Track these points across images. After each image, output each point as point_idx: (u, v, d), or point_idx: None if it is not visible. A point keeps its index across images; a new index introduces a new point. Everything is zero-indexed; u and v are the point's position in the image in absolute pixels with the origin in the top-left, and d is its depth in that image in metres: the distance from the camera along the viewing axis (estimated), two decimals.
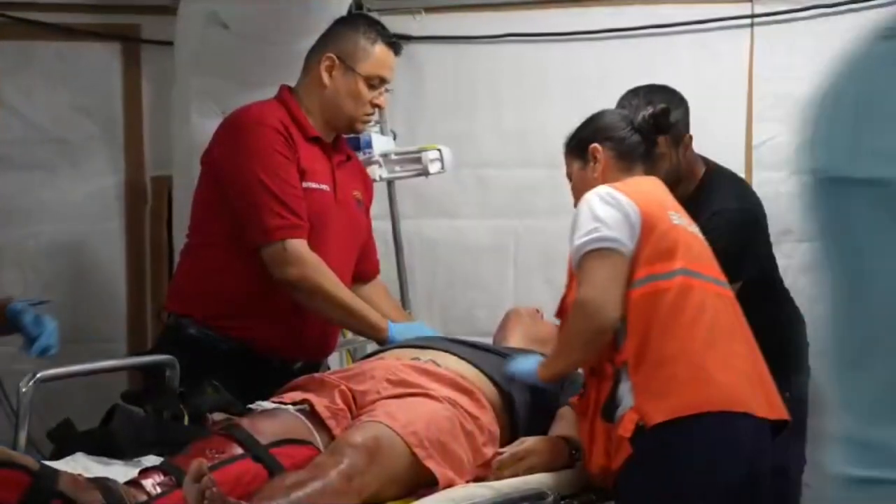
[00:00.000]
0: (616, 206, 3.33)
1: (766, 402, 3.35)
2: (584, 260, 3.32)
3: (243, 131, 3.94)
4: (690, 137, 4.28)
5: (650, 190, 3.52)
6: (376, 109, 4.20)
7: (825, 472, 4.36)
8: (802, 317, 4.67)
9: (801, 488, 4.65)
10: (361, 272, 4.30)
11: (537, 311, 4.37)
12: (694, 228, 3.52)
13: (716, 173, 4.39)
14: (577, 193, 3.64)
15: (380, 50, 4.05)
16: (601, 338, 3.30)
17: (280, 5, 4.61)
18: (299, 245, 3.85)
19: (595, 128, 3.69)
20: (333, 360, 4.69)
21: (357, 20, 4.26)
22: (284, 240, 3.83)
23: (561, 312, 3.60)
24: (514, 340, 4.08)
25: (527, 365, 3.63)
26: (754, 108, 5.05)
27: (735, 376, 3.29)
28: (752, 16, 5.06)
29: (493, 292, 5.43)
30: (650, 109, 3.69)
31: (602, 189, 3.41)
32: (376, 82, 4.05)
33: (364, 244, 4.30)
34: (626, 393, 3.24)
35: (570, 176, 3.78)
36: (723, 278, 3.50)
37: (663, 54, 5.15)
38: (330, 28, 4.16)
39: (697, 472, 3.22)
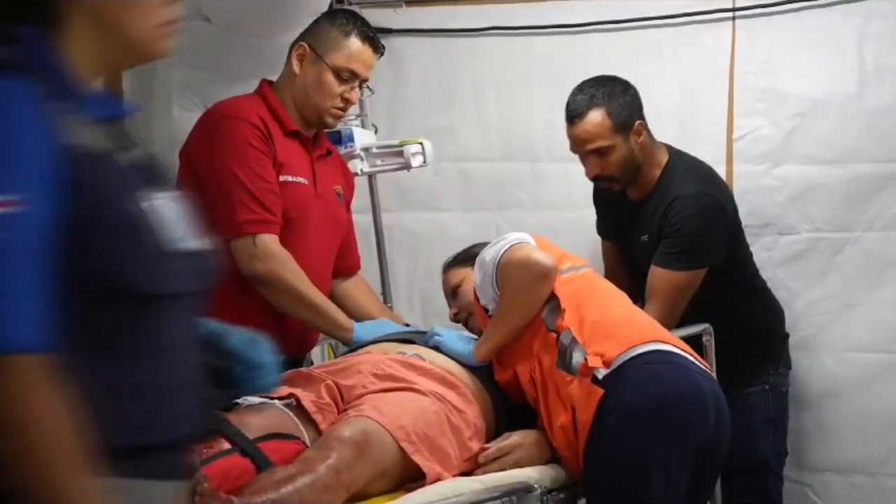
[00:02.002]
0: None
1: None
2: (508, 252, 3.61)
3: (219, 125, 3.93)
4: (642, 124, 4.31)
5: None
6: (351, 105, 4.18)
7: (806, 464, 4.46)
8: (781, 308, 4.69)
9: (782, 480, 4.67)
10: (342, 267, 4.30)
11: None
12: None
13: (678, 160, 4.40)
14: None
15: (352, 43, 4.02)
16: (538, 288, 3.55)
17: None
18: (269, 240, 3.84)
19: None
20: (315, 354, 4.68)
21: (339, 13, 4.24)
22: (254, 234, 3.82)
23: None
24: None
25: (460, 346, 3.74)
26: (736, 102, 5.05)
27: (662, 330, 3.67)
28: (734, 9, 5.05)
29: None
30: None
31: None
32: (346, 75, 4.02)
33: (345, 238, 4.29)
34: (576, 350, 3.43)
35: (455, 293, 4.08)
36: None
37: (645, 48, 5.15)
38: (313, 21, 4.16)
39: (664, 391, 3.41)
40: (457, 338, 3.77)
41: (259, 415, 3.21)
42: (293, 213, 3.94)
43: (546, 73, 5.25)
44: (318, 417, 3.27)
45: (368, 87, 4.25)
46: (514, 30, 5.32)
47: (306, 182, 4.03)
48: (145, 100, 5.14)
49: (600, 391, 3.35)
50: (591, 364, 3.37)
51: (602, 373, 3.37)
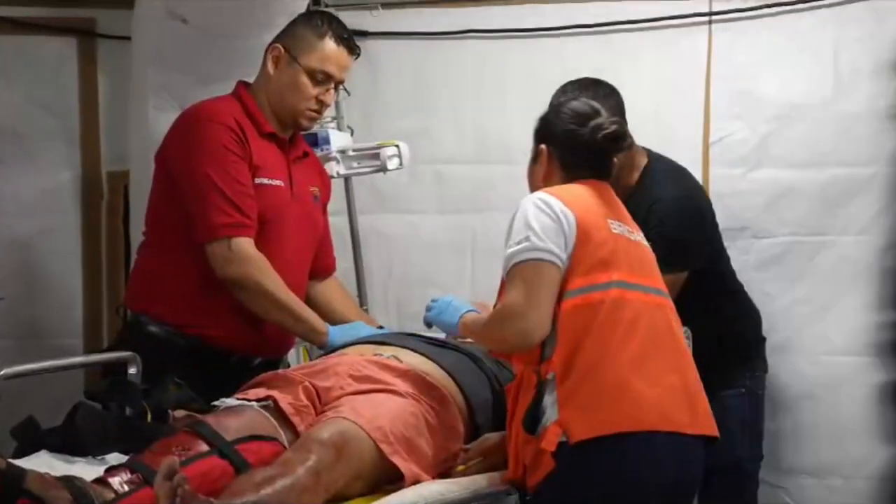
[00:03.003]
0: (550, 214, 3.26)
1: (694, 416, 3.29)
2: (516, 271, 3.26)
3: (195, 128, 3.91)
4: None
5: (589, 196, 3.41)
6: (326, 107, 4.15)
7: (781, 466, 4.46)
8: (757, 311, 4.71)
9: (757, 483, 4.68)
10: (318, 269, 4.29)
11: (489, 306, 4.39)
12: (636, 236, 3.46)
13: (657, 163, 4.41)
14: (528, 181, 3.66)
15: (327, 45, 4.01)
16: (517, 350, 3.32)
17: (239, 0, 4.60)
18: (244, 243, 3.83)
19: (549, 128, 3.58)
20: (290, 356, 4.67)
21: (314, 15, 4.22)
22: (230, 237, 3.81)
23: None
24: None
25: (446, 315, 3.62)
26: (712, 106, 5.08)
27: (663, 393, 3.21)
28: (710, 13, 5.09)
29: (450, 288, 5.39)
30: (606, 128, 3.58)
31: (537, 196, 3.35)
32: (320, 77, 4.00)
33: (321, 240, 4.28)
34: (550, 405, 3.18)
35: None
36: (662, 287, 3.44)
37: (622, 51, 5.17)
38: (289, 23, 4.15)
39: (618, 491, 3.16)
40: (446, 305, 3.66)
41: (237, 417, 3.20)
42: (269, 216, 3.93)
43: (522, 76, 5.27)
44: (295, 419, 3.26)
45: (345, 89, 4.24)
46: (490, 33, 5.33)
47: (282, 184, 4.01)
48: (121, 101, 5.16)
49: (550, 466, 3.15)
50: (549, 440, 3.13)
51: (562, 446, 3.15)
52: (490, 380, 3.72)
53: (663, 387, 3.21)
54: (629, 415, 3.14)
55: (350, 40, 4.07)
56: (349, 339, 3.92)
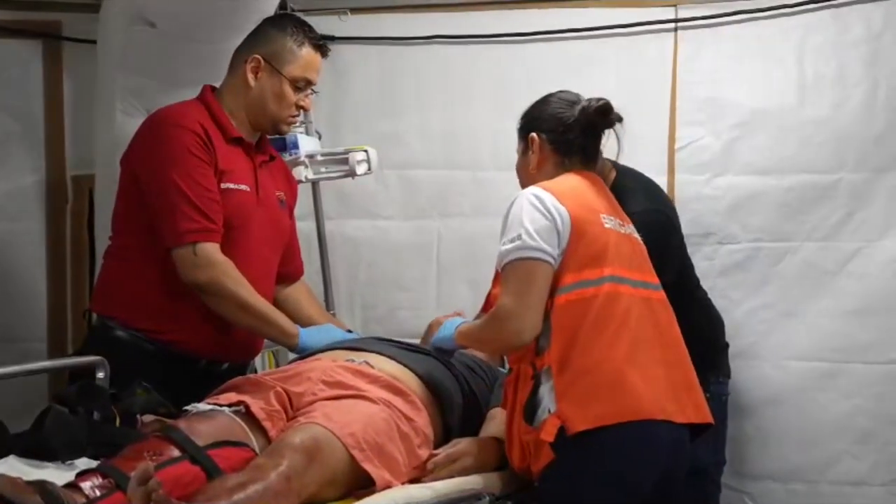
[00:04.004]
0: (543, 211, 3.32)
1: (689, 406, 3.39)
2: (508, 269, 3.34)
3: (160, 133, 3.90)
4: None
5: (583, 190, 3.48)
6: (306, 111, 4.20)
7: (745, 471, 4.49)
8: (721, 318, 4.73)
9: (720, 488, 4.71)
10: (285, 273, 4.29)
11: (458, 314, 4.40)
12: (627, 229, 3.53)
13: (625, 177, 4.41)
14: (518, 177, 3.69)
15: (306, 52, 4.04)
16: (511, 351, 3.40)
17: (207, 4, 4.58)
18: (210, 249, 3.82)
19: (538, 115, 3.63)
20: (256, 361, 4.67)
21: (285, 21, 4.20)
22: (195, 243, 3.80)
23: (486, 308, 3.68)
24: None
25: (446, 333, 3.69)
26: (678, 112, 5.11)
27: (656, 384, 3.30)
28: (677, 20, 5.12)
29: (416, 292, 5.45)
30: (594, 105, 3.62)
31: (531, 191, 3.39)
32: (302, 84, 4.05)
33: (288, 245, 4.28)
34: (546, 394, 3.25)
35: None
36: (653, 279, 3.52)
37: (589, 57, 5.19)
38: (257, 28, 4.13)
39: (615, 478, 3.24)
40: (445, 326, 3.76)
41: (208, 422, 3.20)
42: (236, 221, 3.92)
43: (490, 81, 5.29)
44: (267, 424, 3.26)
45: (313, 90, 4.24)
46: (458, 38, 5.34)
47: (248, 189, 4.00)
48: (86, 105, 5.13)
49: (551, 456, 3.23)
50: (548, 431, 3.21)
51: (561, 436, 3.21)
52: (461, 384, 3.73)
53: (657, 379, 3.31)
54: (627, 405, 3.23)
55: (323, 44, 4.12)
56: (321, 341, 3.93)
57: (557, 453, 3.21)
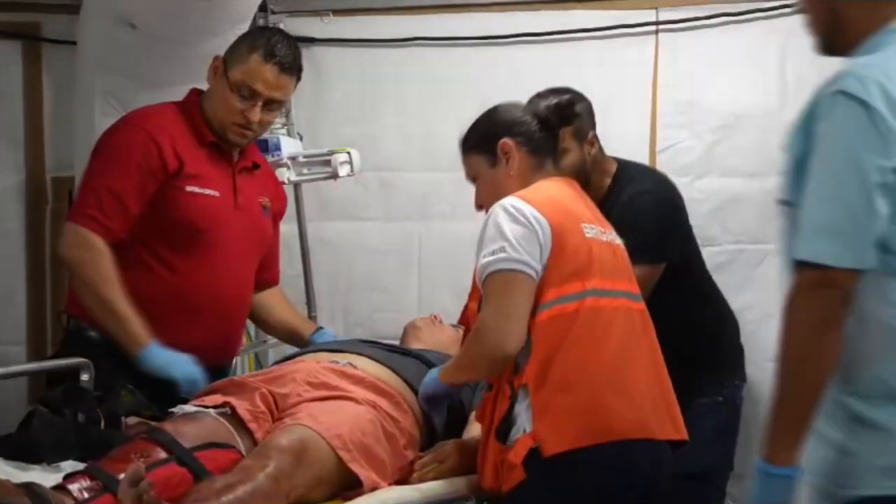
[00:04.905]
0: (524, 223, 3.21)
1: (667, 422, 3.29)
2: (489, 281, 3.20)
3: (115, 129, 3.94)
4: (595, 136, 4.25)
5: (562, 197, 3.38)
6: (257, 125, 3.97)
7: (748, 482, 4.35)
8: (734, 318, 4.66)
9: (724, 495, 4.65)
10: (262, 279, 4.26)
11: (435, 317, 4.40)
12: (609, 236, 3.43)
13: (629, 166, 4.39)
14: (487, 196, 3.50)
15: (254, 60, 3.88)
16: (498, 365, 3.21)
17: (187, 5, 4.57)
18: (92, 237, 3.78)
19: (500, 122, 3.51)
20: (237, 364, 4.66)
21: (262, 30, 4.16)
22: (83, 226, 3.79)
23: (463, 320, 3.53)
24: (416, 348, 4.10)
25: (429, 379, 3.55)
26: (659, 115, 5.13)
27: (636, 401, 3.20)
28: (657, 23, 5.13)
29: (396, 295, 5.44)
30: (552, 100, 3.58)
31: (509, 202, 3.27)
32: (245, 92, 3.89)
33: (268, 251, 4.24)
34: (522, 412, 3.15)
35: (473, 178, 3.60)
36: (633, 289, 3.42)
37: (570, 59, 5.20)
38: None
39: (590, 501, 3.15)
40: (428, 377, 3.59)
41: (194, 424, 3.19)
42: (202, 224, 3.89)
43: (470, 83, 5.28)
44: (253, 426, 3.26)
45: (286, 111, 4.13)
46: (439, 41, 5.34)
47: (218, 194, 3.95)
48: (66, 106, 5.12)
49: (521, 476, 3.11)
50: (517, 452, 3.11)
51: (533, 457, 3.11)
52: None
53: (637, 396, 3.21)
54: (602, 426, 3.12)
55: (284, 59, 3.91)
56: (169, 363, 3.75)
57: (528, 473, 3.11)
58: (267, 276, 4.29)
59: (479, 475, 3.31)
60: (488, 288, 3.20)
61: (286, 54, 3.91)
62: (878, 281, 2.41)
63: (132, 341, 3.76)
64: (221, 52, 3.96)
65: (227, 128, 3.94)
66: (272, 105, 3.96)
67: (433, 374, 3.54)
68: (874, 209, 2.36)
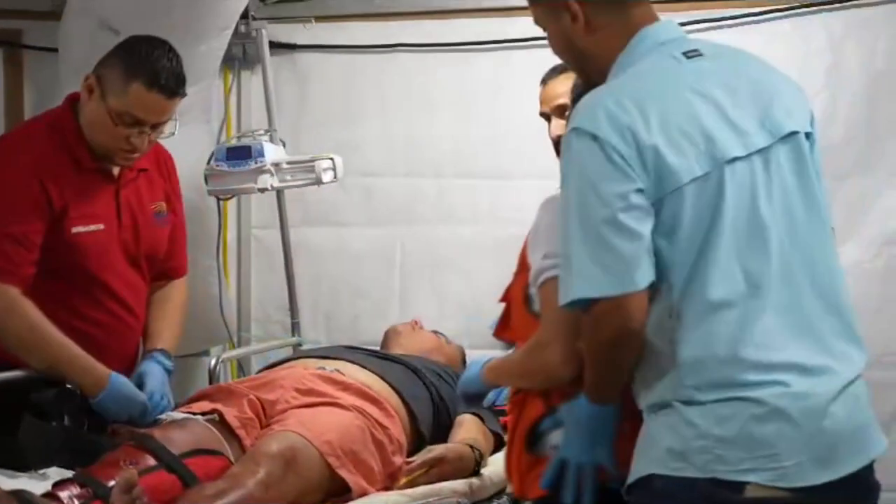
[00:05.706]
0: None
1: None
2: (544, 291, 2.72)
3: None
4: None
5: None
6: (144, 149, 3.73)
7: None
8: None
9: None
10: (161, 272, 4.00)
11: (416, 322, 4.40)
12: None
13: None
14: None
15: (135, 89, 3.58)
16: (554, 384, 2.74)
17: (169, 11, 4.56)
18: (7, 288, 3.52)
19: None
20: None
21: (139, 45, 3.77)
22: None
23: (505, 297, 3.02)
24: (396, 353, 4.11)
25: (471, 377, 3.05)
26: None
27: None
28: None
29: (379, 300, 5.43)
30: None
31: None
32: (128, 120, 3.60)
33: (169, 246, 3.98)
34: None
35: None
36: None
37: (552, 65, 5.19)
38: (116, 47, 3.82)
39: None
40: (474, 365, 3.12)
41: (183, 430, 3.21)
42: (94, 264, 3.68)
43: (452, 89, 5.27)
44: (241, 432, 3.27)
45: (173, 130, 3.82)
46: (421, 47, 5.33)
47: (103, 227, 3.71)
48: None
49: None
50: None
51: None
52: (431, 392, 3.75)
53: None
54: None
55: (168, 83, 3.62)
56: (120, 407, 3.52)
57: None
58: (167, 266, 4.02)
59: (507, 478, 2.98)
60: (545, 298, 2.72)
61: (168, 77, 3.63)
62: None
63: (89, 381, 3.53)
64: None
65: (112, 153, 3.69)
66: (159, 126, 3.71)
67: (474, 371, 3.04)
68: (628, 233, 2.37)
